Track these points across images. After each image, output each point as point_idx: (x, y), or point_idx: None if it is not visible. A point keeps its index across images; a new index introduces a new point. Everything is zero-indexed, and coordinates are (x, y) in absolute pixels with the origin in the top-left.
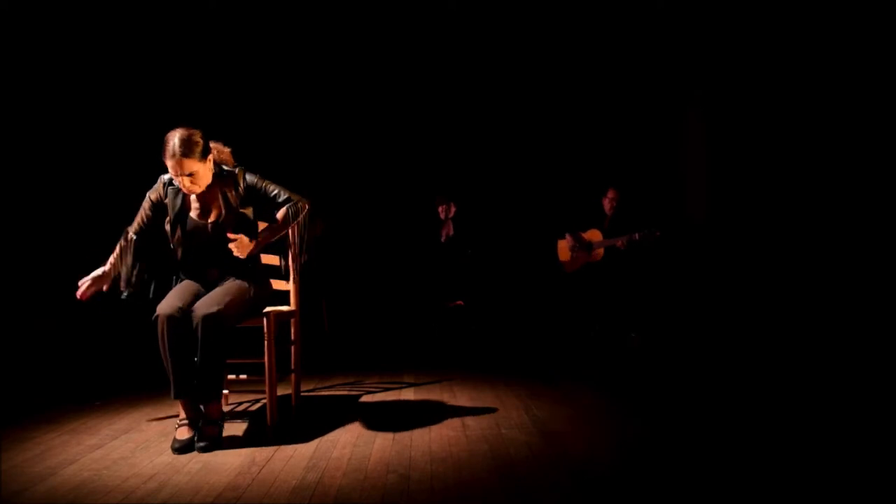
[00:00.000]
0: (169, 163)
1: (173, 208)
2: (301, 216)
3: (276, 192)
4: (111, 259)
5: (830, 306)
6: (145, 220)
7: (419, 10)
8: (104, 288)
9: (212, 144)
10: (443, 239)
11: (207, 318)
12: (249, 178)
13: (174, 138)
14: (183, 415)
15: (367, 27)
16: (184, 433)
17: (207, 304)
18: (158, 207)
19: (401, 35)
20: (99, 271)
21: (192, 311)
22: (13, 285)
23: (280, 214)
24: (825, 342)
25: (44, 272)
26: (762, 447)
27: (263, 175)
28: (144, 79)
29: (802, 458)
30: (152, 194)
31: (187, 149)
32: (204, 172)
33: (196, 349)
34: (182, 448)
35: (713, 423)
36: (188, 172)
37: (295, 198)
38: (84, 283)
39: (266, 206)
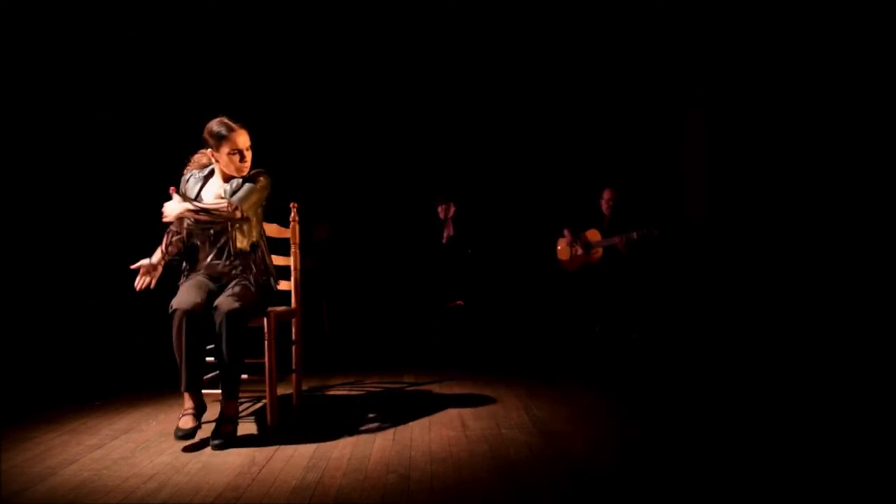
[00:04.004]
0: (240, 137)
1: (191, 193)
2: (223, 213)
3: (245, 188)
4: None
5: (830, 305)
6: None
7: (419, 10)
8: (152, 281)
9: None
10: (444, 240)
11: (232, 314)
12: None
13: (228, 120)
14: (188, 405)
15: (367, 28)
16: (188, 422)
17: (230, 300)
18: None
19: (401, 35)
20: (147, 261)
21: (214, 308)
22: (13, 285)
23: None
24: (825, 341)
25: (44, 272)
26: (762, 447)
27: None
28: (146, 80)
29: (802, 457)
30: (183, 187)
31: (244, 126)
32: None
33: (216, 345)
34: (186, 435)
35: (713, 422)
36: (249, 144)
37: (235, 204)
38: (140, 278)
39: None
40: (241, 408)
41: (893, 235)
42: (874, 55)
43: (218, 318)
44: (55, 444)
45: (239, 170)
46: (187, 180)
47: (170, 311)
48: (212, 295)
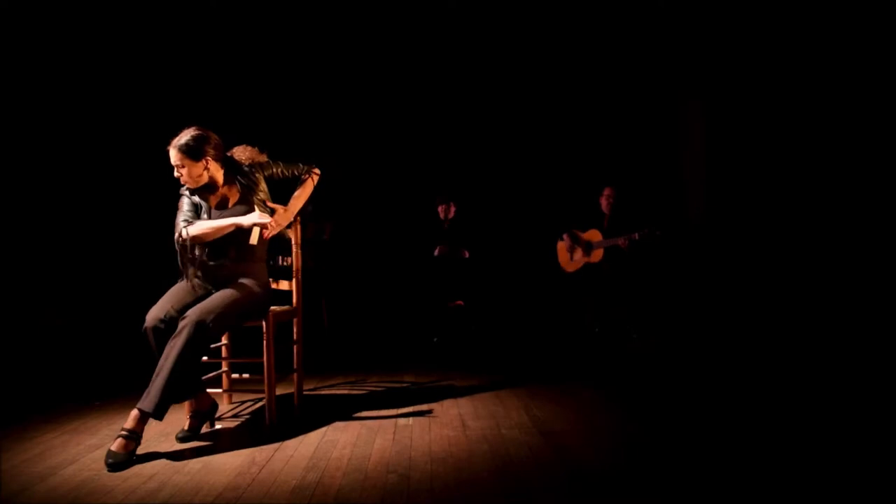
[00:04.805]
0: (169, 151)
1: (203, 208)
2: (310, 177)
3: (289, 170)
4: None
5: (830, 306)
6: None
7: (419, 10)
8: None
9: (240, 150)
10: (436, 253)
11: (200, 325)
12: (265, 168)
13: (184, 132)
14: (188, 407)
15: (367, 28)
16: (188, 424)
17: (202, 312)
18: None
19: (402, 35)
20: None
21: (184, 316)
22: (27, 282)
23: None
24: (825, 342)
25: (58, 270)
26: (762, 447)
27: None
28: (157, 80)
29: (802, 457)
30: (188, 205)
31: (181, 145)
32: (196, 173)
33: (169, 347)
34: (185, 438)
35: (713, 422)
36: (176, 163)
37: (305, 167)
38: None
39: (287, 185)
40: (242, 407)
41: (893, 236)
42: (874, 55)
43: (186, 324)
44: (55, 444)
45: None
46: (191, 200)
47: (142, 329)
48: (199, 300)
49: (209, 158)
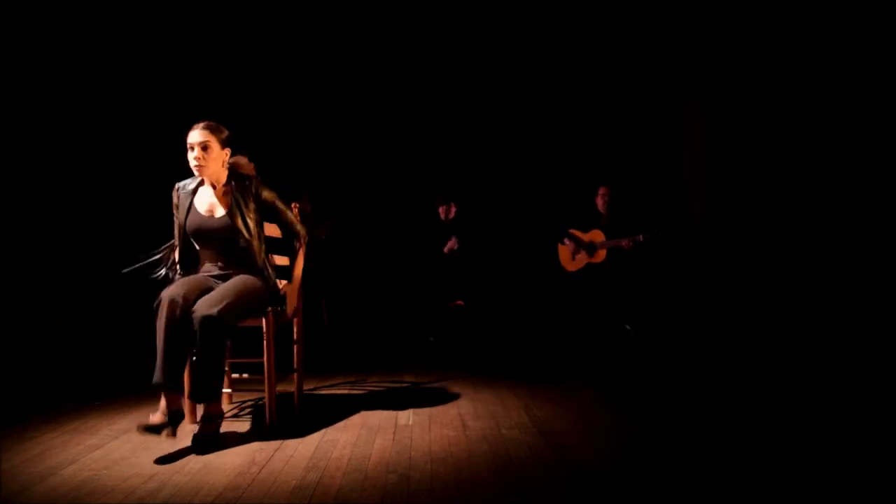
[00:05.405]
0: (192, 133)
1: (183, 207)
2: (303, 245)
3: (289, 219)
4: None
5: (829, 305)
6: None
7: (419, 10)
8: None
9: (244, 160)
10: (445, 250)
11: (206, 319)
12: (266, 193)
13: (202, 121)
14: (162, 404)
15: (368, 28)
16: (157, 417)
17: (208, 304)
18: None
19: (402, 35)
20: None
21: (192, 311)
22: (27, 282)
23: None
24: (824, 341)
25: (58, 270)
26: (762, 447)
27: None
28: (159, 81)
29: (802, 456)
30: (175, 201)
31: (211, 125)
32: (216, 157)
33: (193, 345)
34: (149, 429)
35: (713, 423)
36: (202, 140)
37: (302, 228)
38: None
39: (274, 220)
40: (242, 407)
41: (892, 236)
42: (874, 55)
43: (195, 321)
44: (55, 444)
45: (194, 166)
46: (178, 196)
47: (155, 304)
48: (207, 292)
49: (227, 151)
